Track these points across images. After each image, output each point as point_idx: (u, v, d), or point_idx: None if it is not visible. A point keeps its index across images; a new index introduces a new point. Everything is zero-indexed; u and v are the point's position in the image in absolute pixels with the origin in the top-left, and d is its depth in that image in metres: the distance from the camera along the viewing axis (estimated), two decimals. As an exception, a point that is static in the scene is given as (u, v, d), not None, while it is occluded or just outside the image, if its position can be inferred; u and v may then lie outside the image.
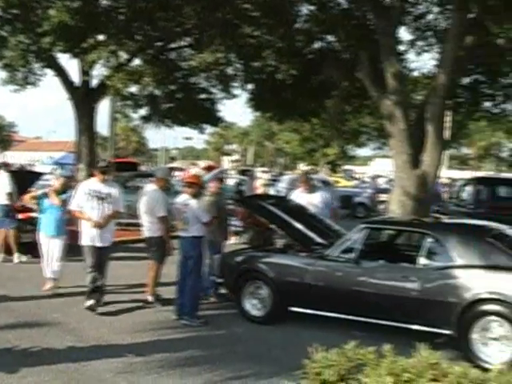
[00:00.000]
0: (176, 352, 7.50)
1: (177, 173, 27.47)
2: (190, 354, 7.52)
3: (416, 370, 2.99)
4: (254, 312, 9.16)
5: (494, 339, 7.38)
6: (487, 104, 16.86)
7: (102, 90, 19.00)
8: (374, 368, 3.08)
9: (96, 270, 9.26)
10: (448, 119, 29.72)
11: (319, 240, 9.60)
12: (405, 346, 3.61)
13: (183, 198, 9.24)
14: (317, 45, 15.34)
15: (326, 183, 25.26)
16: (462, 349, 7.56)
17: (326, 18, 13.73)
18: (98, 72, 18.46)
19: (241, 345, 8.02)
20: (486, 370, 3.36)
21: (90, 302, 9.15)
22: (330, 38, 15.01)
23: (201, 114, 20.97)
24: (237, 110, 77.81)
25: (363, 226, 8.89)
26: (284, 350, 7.70)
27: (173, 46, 19.15)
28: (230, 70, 18.63)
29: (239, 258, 9.78)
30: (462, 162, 77.09)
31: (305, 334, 8.26)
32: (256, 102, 18.74)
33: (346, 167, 70.53)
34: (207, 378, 6.66)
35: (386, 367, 3.03)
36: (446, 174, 36.86)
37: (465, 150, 78.27)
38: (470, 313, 7.51)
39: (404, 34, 22.14)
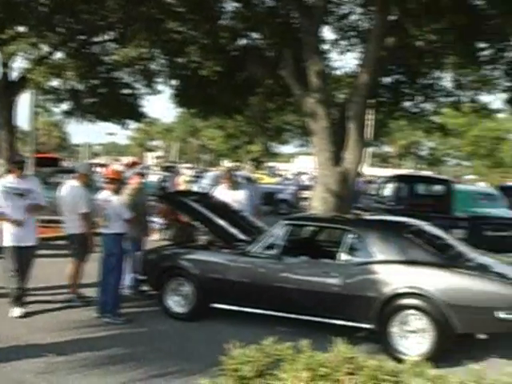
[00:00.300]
0: (99, 351, 7.39)
1: (99, 169, 27.07)
2: (113, 352, 7.43)
3: (332, 364, 3.03)
4: (177, 309, 9.12)
5: (412, 332, 7.58)
6: (407, 104, 17.24)
7: (22, 83, 18.52)
8: (292, 363, 3.10)
9: (20, 273, 8.85)
10: (370, 118, 30.27)
11: (242, 236, 9.65)
12: (324, 340, 3.65)
13: (104, 195, 9.10)
14: (241, 42, 15.35)
15: (249, 180, 25.33)
16: (382, 342, 7.74)
17: (250, 15, 13.77)
18: (19, 64, 18.02)
19: (164, 342, 7.97)
20: (404, 362, 3.44)
21: (19, 311, 8.78)
22: (255, 35, 15.05)
23: (124, 109, 20.75)
24: (161, 105, 77.15)
25: (285, 222, 8.97)
26: (207, 346, 7.70)
27: (96, 39, 18.83)
28: (154, 66, 18.49)
29: (161, 255, 9.73)
30: (383, 160, 78.64)
31: (228, 330, 8.27)
32: (180, 98, 18.66)
33: (270, 164, 70.96)
34: (131, 376, 6.60)
35: (303, 362, 3.05)
36: (367, 171, 37.51)
37: (386, 148, 79.94)
38: (389, 307, 7.67)
39: (328, 33, 22.41)
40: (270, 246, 8.73)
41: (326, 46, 15.86)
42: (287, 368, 3.06)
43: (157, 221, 13.55)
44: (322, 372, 2.98)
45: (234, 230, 9.80)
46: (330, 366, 3.01)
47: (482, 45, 14.28)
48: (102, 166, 27.14)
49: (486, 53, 14.42)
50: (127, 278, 10.00)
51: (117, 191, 9.13)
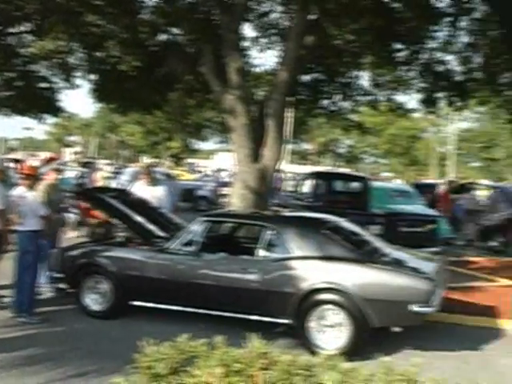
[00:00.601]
0: (15, 351, 7.21)
1: (12, 164, 26.36)
2: (30, 352, 7.27)
3: (246, 360, 3.06)
4: (95, 307, 9.00)
5: (330, 326, 7.72)
6: (326, 102, 17.45)
7: None
8: (206, 360, 3.11)
9: None
10: (289, 115, 30.56)
11: (160, 233, 9.61)
12: (240, 337, 3.67)
13: (19, 191, 8.88)
14: (161, 37, 15.23)
15: (168, 176, 25.20)
16: (300, 337, 7.85)
17: (171, 10, 13.67)
18: None
19: (82, 341, 7.85)
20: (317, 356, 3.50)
21: None
22: (175, 30, 14.96)
23: (41, 103, 20.26)
24: (79, 100, 75.82)
25: (203, 218, 8.98)
26: (126, 344, 7.57)
27: (12, 30, 18.32)
28: (72, 59, 18.11)
29: (79, 252, 9.56)
30: (302, 157, 79.43)
31: (147, 327, 8.22)
32: (99, 92, 18.34)
33: (190, 160, 70.68)
34: (49, 376, 6.46)
35: (217, 358, 3.06)
36: (287, 168, 37.82)
37: (305, 146, 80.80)
38: (307, 302, 7.79)
39: (248, 30, 22.45)
40: (189, 243, 8.72)
41: (246, 43, 15.90)
42: (201, 364, 3.06)
43: (74, 217, 13.34)
44: (235, 368, 3.00)
45: (152, 227, 9.75)
46: (244, 362, 3.03)
47: (398, 46, 14.60)
48: (17, 161, 26.42)
49: (401, 54, 14.75)
50: (43, 276, 9.80)
51: (32, 187, 8.93)
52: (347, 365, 3.19)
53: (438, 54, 14.82)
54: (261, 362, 3.05)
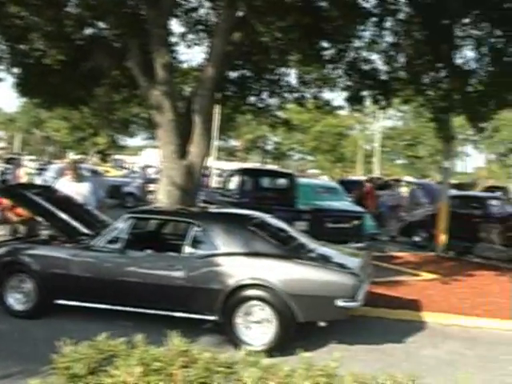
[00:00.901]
0: None
1: None
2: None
3: (167, 358, 3.03)
4: (18, 307, 8.81)
5: (257, 322, 7.77)
6: (253, 98, 17.48)
7: None
8: (125, 359, 3.07)
9: None
10: (217, 112, 30.54)
11: (85, 230, 9.47)
12: (162, 334, 3.64)
13: None
14: (87, 31, 14.97)
15: (95, 173, 24.88)
16: (227, 333, 7.88)
17: (97, 4, 13.45)
18: None
19: (5, 342, 7.68)
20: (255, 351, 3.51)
21: None
22: (102, 24, 14.73)
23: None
24: (3, 94, 74.06)
25: (128, 215, 8.89)
26: (49, 344, 7.46)
27: None
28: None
29: (1, 251, 9.32)
30: (230, 154, 79.52)
31: (71, 327, 8.09)
32: (23, 87, 17.90)
33: (117, 157, 69.88)
34: (-31, 378, 6.30)
35: (137, 357, 3.03)
36: (214, 164, 37.80)
37: (233, 142, 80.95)
38: (233, 298, 7.82)
39: (176, 26, 22.31)
40: (114, 240, 8.63)
41: (173, 39, 15.78)
42: (120, 364, 3.02)
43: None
44: (155, 367, 2.97)
45: (77, 224, 9.60)
46: (164, 361, 3.01)
47: (325, 44, 14.74)
48: None
49: (328, 52, 14.89)
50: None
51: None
52: (268, 361, 3.21)
53: (364, 53, 15.03)
54: (181, 360, 3.03)
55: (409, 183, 27.54)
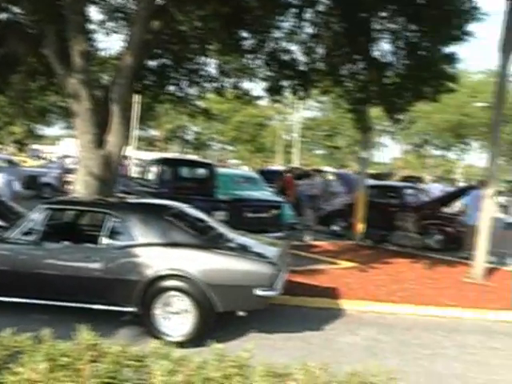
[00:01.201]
0: None
1: None
2: None
3: (74, 353, 2.97)
4: None
5: (175, 313, 7.75)
6: (173, 88, 17.35)
7: None
8: (31, 355, 2.98)
9: None
10: (137, 101, 30.18)
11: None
12: (71, 328, 3.56)
13: None
14: (1, 15, 14.54)
15: (11, 163, 24.27)
16: (146, 324, 7.82)
17: (11, -12, 13.10)
18: None
19: None
20: (168, 343, 3.47)
21: None
22: (16, 9, 14.32)
23: None
24: None
25: (44, 206, 8.69)
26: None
27: None
28: None
29: None
30: (149, 144, 78.78)
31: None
32: None
33: (34, 146, 68.22)
34: None
35: (43, 353, 2.95)
36: (133, 154, 37.37)
37: (153, 132, 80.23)
38: (152, 289, 7.77)
39: (94, 13, 21.87)
40: (30, 232, 8.42)
41: (91, 26, 15.48)
42: (25, 360, 2.93)
43: None
44: (62, 362, 2.89)
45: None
46: (72, 355, 2.94)
47: (244, 34, 14.76)
48: None
49: (248, 42, 14.92)
50: None
51: None
52: (180, 353, 3.18)
53: (283, 44, 15.10)
54: (89, 354, 2.97)
55: (325, 172, 27.98)
